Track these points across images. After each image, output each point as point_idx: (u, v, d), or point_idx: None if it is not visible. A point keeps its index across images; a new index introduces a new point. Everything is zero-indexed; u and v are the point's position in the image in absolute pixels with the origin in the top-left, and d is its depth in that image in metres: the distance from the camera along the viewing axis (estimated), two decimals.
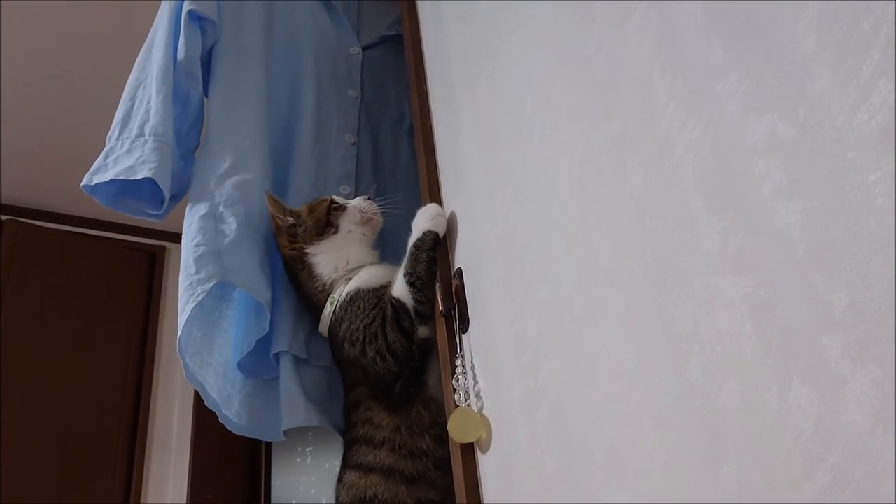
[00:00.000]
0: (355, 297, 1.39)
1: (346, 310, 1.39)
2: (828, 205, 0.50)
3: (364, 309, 1.36)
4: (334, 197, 1.52)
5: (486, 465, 1.02)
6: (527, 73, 1.03)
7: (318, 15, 1.86)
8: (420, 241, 1.29)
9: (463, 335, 1.15)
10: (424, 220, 1.30)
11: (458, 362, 1.12)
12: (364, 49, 1.89)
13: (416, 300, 1.29)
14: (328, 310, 1.42)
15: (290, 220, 1.49)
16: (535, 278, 0.95)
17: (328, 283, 1.45)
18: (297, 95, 1.75)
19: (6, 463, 2.66)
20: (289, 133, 1.70)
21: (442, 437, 1.23)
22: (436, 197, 1.36)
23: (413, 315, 1.30)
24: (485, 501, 1.01)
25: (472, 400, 1.07)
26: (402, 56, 1.75)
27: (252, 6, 1.76)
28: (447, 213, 1.31)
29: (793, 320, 0.52)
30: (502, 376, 1.01)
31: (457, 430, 1.05)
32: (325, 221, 1.47)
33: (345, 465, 1.35)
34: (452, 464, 1.10)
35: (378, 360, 1.30)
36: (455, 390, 1.09)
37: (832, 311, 0.48)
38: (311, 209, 1.50)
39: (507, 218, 1.05)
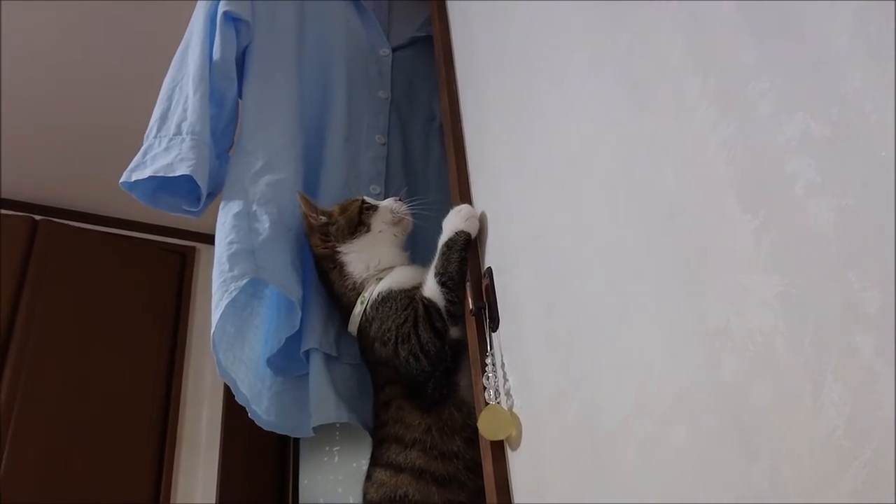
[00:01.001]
0: (387, 298, 1.40)
1: (377, 310, 1.40)
2: (861, 203, 0.50)
3: (396, 309, 1.37)
4: (365, 197, 1.53)
5: (516, 462, 1.03)
6: (557, 72, 1.04)
7: (349, 16, 1.88)
8: (452, 240, 1.30)
9: (493, 334, 1.16)
10: (458, 221, 1.31)
11: (489, 360, 1.12)
12: (394, 50, 1.91)
13: (447, 300, 1.30)
14: (358, 309, 1.44)
15: (323, 219, 1.50)
16: (565, 277, 0.95)
17: (359, 282, 1.46)
18: (328, 96, 1.76)
19: (38, 459, 2.70)
20: (320, 133, 1.72)
21: (473, 440, 1.23)
22: (466, 197, 1.37)
23: (445, 315, 1.31)
24: (514, 499, 1.02)
25: (503, 398, 1.07)
26: (431, 57, 1.76)
27: (284, 7, 1.78)
28: (478, 214, 1.32)
29: (826, 318, 0.52)
30: (532, 374, 1.01)
31: (487, 427, 1.06)
32: (357, 220, 1.49)
33: (374, 464, 1.36)
34: (482, 461, 1.10)
35: (411, 360, 1.31)
36: (485, 388, 1.10)
37: (865, 308, 0.49)
38: (343, 209, 1.52)
39: (538, 217, 1.06)
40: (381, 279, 1.45)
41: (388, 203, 1.52)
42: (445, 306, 1.31)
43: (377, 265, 1.48)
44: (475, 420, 1.12)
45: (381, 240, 1.49)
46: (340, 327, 1.51)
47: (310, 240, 1.53)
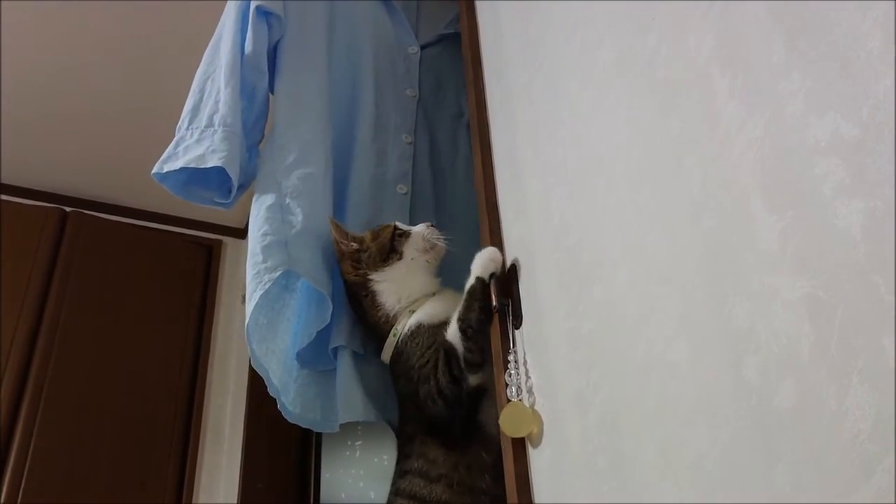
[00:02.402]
0: (416, 333, 1.38)
1: (406, 344, 1.39)
2: (890, 205, 0.49)
3: (421, 347, 1.36)
4: (397, 224, 1.51)
5: (537, 460, 1.03)
6: (585, 72, 1.04)
7: (378, 14, 1.88)
8: (473, 288, 1.28)
9: (516, 331, 1.16)
10: (479, 266, 1.28)
11: (511, 358, 1.12)
12: (422, 48, 1.91)
13: (465, 348, 1.28)
14: (391, 341, 1.42)
15: (354, 245, 1.48)
16: (589, 276, 0.95)
17: (392, 315, 1.44)
18: (356, 93, 1.77)
19: (67, 446, 2.73)
20: (349, 131, 1.73)
21: (501, 477, 1.17)
22: (491, 195, 1.37)
23: (462, 363, 1.28)
24: (535, 496, 1.02)
25: (525, 395, 1.07)
26: (459, 54, 1.76)
27: (315, 4, 1.78)
28: (500, 258, 1.29)
29: (852, 320, 0.52)
30: (555, 373, 1.01)
31: (508, 424, 1.06)
32: (390, 248, 1.46)
33: (396, 493, 1.33)
34: (504, 459, 1.10)
35: (429, 401, 1.30)
36: (507, 385, 1.10)
37: (892, 311, 0.48)
38: (375, 235, 1.49)
39: (563, 216, 1.06)
40: (413, 311, 1.42)
41: (420, 229, 1.49)
42: (463, 353, 1.28)
43: (409, 296, 1.45)
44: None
45: (414, 268, 1.46)
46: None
47: (341, 267, 1.50)
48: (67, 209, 3.18)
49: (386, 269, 1.45)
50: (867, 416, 0.49)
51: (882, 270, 0.49)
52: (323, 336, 1.48)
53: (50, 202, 3.19)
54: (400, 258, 1.45)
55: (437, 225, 1.53)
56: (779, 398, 0.58)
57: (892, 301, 0.48)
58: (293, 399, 1.47)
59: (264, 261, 1.40)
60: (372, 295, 1.46)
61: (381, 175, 1.68)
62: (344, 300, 1.50)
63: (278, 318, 1.50)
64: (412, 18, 1.97)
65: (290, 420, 1.46)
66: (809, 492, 0.54)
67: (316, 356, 1.50)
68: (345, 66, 1.78)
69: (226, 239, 3.56)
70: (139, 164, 1.84)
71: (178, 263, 3.38)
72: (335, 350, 1.49)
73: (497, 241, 1.30)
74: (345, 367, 1.45)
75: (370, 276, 1.46)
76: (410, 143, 1.76)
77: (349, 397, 1.42)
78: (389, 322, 1.43)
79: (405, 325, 1.41)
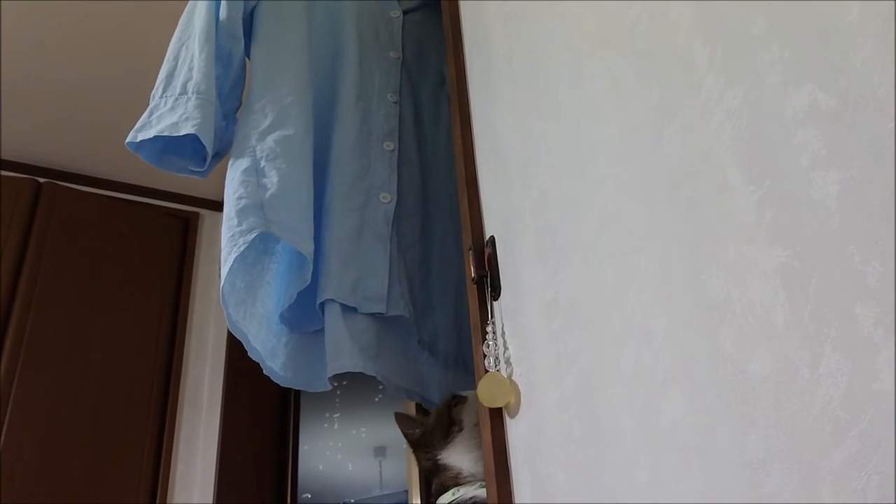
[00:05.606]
0: None
1: None
2: (865, 176, 0.50)
3: None
4: (456, 392, 1.41)
5: (514, 429, 1.04)
6: (565, 42, 1.03)
7: None
8: None
9: (494, 302, 1.16)
10: None
11: (489, 329, 1.13)
12: (405, 13, 1.90)
13: None
14: (447, 499, 1.31)
15: (419, 430, 1.40)
16: (567, 246, 0.95)
17: (463, 475, 1.32)
18: (339, 55, 1.76)
19: (43, 417, 2.72)
20: (332, 91, 1.71)
21: None
22: (470, 164, 1.37)
23: None
24: (512, 465, 1.03)
25: (502, 366, 1.08)
26: (441, 21, 1.75)
27: None
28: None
29: (826, 290, 0.52)
30: (532, 343, 1.02)
31: (486, 394, 1.06)
32: (448, 420, 1.37)
33: None
34: (481, 429, 1.11)
35: None
36: (485, 356, 1.10)
37: (866, 280, 0.49)
38: (437, 412, 1.40)
39: (542, 187, 1.06)
40: (484, 485, 1.24)
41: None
42: None
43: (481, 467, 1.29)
44: None
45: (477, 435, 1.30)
46: (357, 274, 1.49)
47: (416, 457, 1.40)
48: (41, 180, 3.14)
49: (449, 445, 1.35)
50: (839, 383, 0.50)
51: (856, 240, 0.50)
52: (309, 296, 1.47)
53: (23, 173, 3.15)
54: (460, 429, 1.36)
55: (424, 186, 1.51)
56: (753, 366, 0.59)
57: (865, 271, 0.49)
58: (284, 363, 1.46)
59: (239, 224, 1.37)
60: (443, 469, 1.35)
61: (366, 133, 1.67)
62: (329, 253, 1.49)
63: (258, 282, 1.48)
64: None
65: (280, 384, 1.46)
66: (782, 457, 0.55)
67: (303, 317, 1.49)
68: (326, 29, 1.77)
69: (202, 211, 3.54)
70: (114, 134, 1.82)
71: (154, 236, 3.36)
72: (322, 306, 1.47)
73: (476, 214, 1.30)
74: (332, 321, 1.44)
75: (438, 457, 1.35)
76: (396, 103, 1.76)
77: (336, 348, 1.40)
78: (457, 481, 1.32)
79: (467, 493, 1.28)
